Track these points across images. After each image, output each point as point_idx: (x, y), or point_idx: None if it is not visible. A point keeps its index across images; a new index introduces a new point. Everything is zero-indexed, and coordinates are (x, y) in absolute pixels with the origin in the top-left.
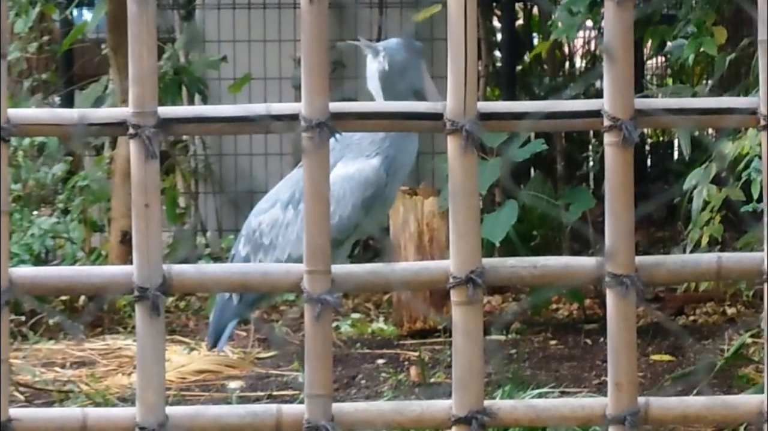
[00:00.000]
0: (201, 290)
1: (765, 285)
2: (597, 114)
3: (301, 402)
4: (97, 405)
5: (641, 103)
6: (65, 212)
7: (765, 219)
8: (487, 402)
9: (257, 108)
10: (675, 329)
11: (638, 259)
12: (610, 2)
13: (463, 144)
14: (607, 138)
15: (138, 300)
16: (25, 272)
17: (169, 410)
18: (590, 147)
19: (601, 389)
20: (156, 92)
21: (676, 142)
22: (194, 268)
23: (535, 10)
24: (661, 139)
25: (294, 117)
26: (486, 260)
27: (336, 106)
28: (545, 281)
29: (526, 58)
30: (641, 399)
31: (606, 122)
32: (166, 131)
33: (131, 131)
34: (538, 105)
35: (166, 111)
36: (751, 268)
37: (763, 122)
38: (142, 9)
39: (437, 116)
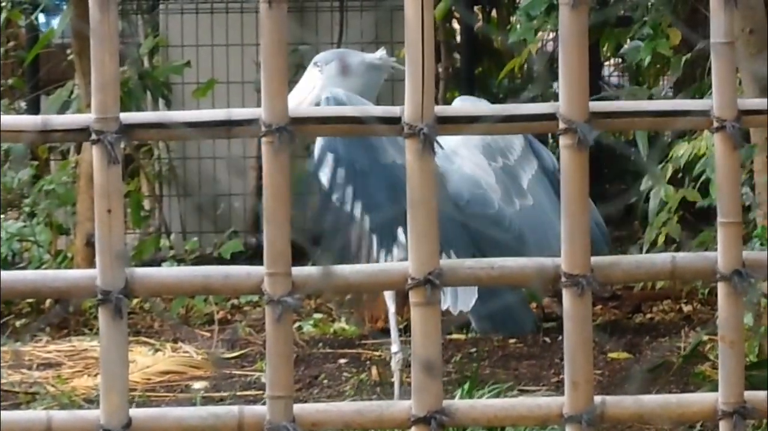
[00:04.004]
0: (163, 293)
1: (719, 284)
2: (552, 117)
3: (264, 403)
4: (64, 406)
5: (596, 106)
6: (31, 215)
7: (719, 219)
8: (445, 402)
9: (219, 113)
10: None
11: (594, 259)
12: (565, 6)
13: (420, 148)
14: (563, 141)
15: (101, 304)
16: None
17: (133, 412)
18: (548, 148)
19: (559, 387)
20: (118, 98)
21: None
22: (156, 271)
23: (494, 12)
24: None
25: (254, 122)
26: (444, 262)
27: (296, 111)
28: (503, 282)
29: (486, 63)
30: (597, 398)
31: (561, 125)
32: (129, 137)
33: (93, 136)
34: (494, 108)
35: (129, 117)
36: (705, 268)
37: (716, 124)
38: (104, 15)
39: (395, 120)
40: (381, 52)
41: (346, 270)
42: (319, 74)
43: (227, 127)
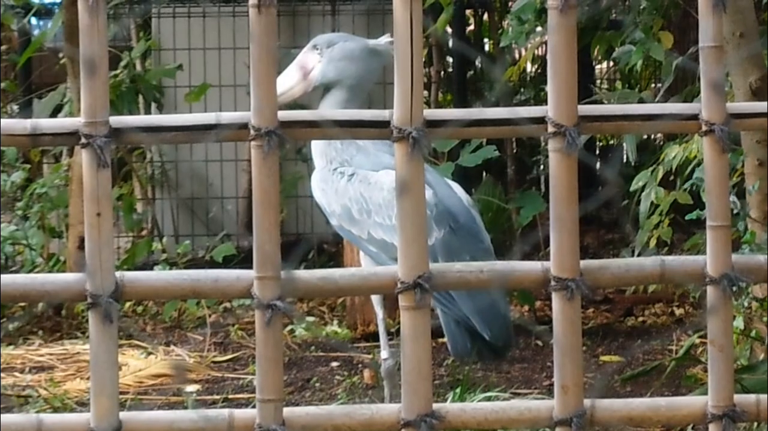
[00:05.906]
0: (153, 296)
1: (708, 288)
2: (542, 121)
3: (255, 406)
4: (56, 409)
5: (585, 109)
6: (24, 218)
7: (707, 222)
8: (435, 406)
9: (207, 117)
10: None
11: (583, 263)
12: (553, 10)
13: (409, 151)
14: (552, 145)
15: (91, 308)
16: None
17: (123, 415)
18: (540, 151)
19: (551, 390)
20: (107, 102)
21: (625, 144)
22: (146, 275)
23: (486, 16)
24: (610, 142)
25: (243, 126)
26: (433, 265)
27: (285, 115)
28: (492, 286)
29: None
30: (587, 401)
31: (550, 129)
32: (118, 141)
33: (83, 140)
34: (483, 113)
35: (118, 120)
36: (694, 271)
37: (704, 128)
38: (93, 19)
39: (384, 124)
40: (384, 38)
41: (336, 274)
42: (317, 57)
43: (216, 131)
